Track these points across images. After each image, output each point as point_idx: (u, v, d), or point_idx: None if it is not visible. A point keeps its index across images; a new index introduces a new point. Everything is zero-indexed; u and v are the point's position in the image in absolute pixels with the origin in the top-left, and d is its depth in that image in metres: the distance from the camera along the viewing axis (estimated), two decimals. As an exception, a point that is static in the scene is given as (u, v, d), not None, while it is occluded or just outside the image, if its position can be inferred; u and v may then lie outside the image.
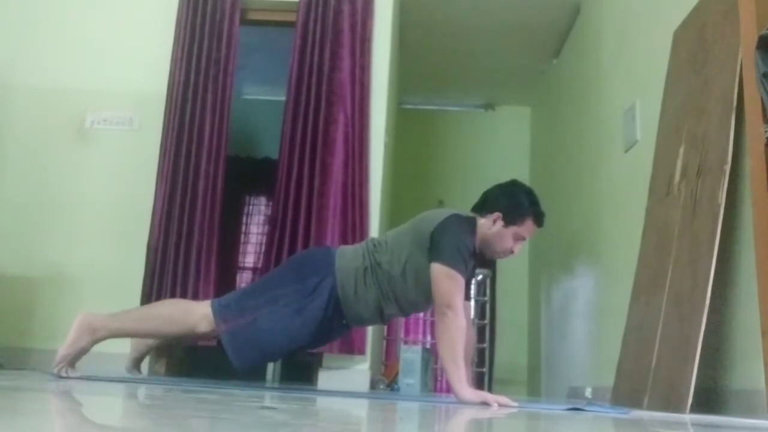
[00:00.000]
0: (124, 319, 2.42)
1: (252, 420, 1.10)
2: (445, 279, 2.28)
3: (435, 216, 2.42)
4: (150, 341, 2.65)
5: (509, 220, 2.44)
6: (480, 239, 2.46)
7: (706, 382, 2.51)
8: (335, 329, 2.47)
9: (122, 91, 3.88)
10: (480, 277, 5.96)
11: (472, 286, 6.97)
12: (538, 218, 2.48)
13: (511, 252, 2.49)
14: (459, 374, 2.20)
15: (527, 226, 2.46)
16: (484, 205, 2.48)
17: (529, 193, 2.49)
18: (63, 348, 2.29)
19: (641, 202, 3.30)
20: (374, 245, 2.49)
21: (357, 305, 2.43)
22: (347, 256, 2.48)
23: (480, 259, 2.53)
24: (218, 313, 2.37)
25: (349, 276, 2.42)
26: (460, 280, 2.30)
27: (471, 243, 2.39)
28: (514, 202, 2.45)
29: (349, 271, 2.43)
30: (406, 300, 2.45)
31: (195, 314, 2.39)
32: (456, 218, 2.40)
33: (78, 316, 2.35)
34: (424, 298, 2.42)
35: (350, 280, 2.42)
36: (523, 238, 2.48)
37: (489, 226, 2.45)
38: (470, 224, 2.42)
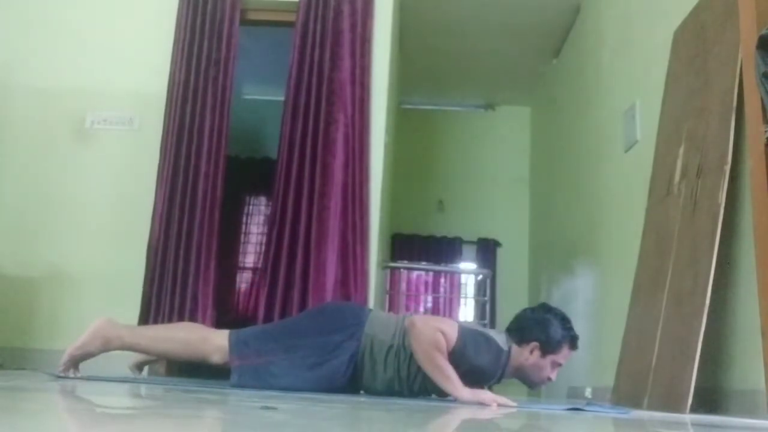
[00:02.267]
0: (140, 335, 2.41)
1: (252, 420, 1.10)
2: (440, 318, 2.27)
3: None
4: None
5: (546, 350, 2.41)
6: (515, 367, 2.43)
7: (706, 382, 2.51)
8: (344, 390, 2.44)
9: (122, 91, 3.88)
10: (480, 277, 5.96)
11: (472, 287, 6.99)
12: (573, 343, 2.46)
13: (549, 379, 2.47)
14: (448, 378, 2.20)
15: (563, 353, 2.44)
16: (521, 335, 2.45)
17: (563, 318, 2.47)
18: (72, 348, 2.29)
19: (641, 202, 3.30)
20: (407, 327, 2.40)
21: (371, 376, 2.41)
22: (379, 325, 2.44)
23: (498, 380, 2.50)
24: (235, 348, 2.35)
25: (374, 346, 2.39)
26: (453, 329, 2.29)
27: (492, 372, 2.37)
28: (549, 332, 2.42)
29: (375, 341, 2.39)
30: (420, 385, 2.43)
31: (211, 344, 2.37)
32: (493, 344, 2.37)
33: (97, 320, 2.34)
34: (438, 389, 2.40)
35: (374, 351, 2.39)
36: (560, 365, 2.46)
37: (526, 357, 2.42)
38: (504, 356, 2.39)
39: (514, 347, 2.42)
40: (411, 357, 2.36)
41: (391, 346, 2.39)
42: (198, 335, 2.43)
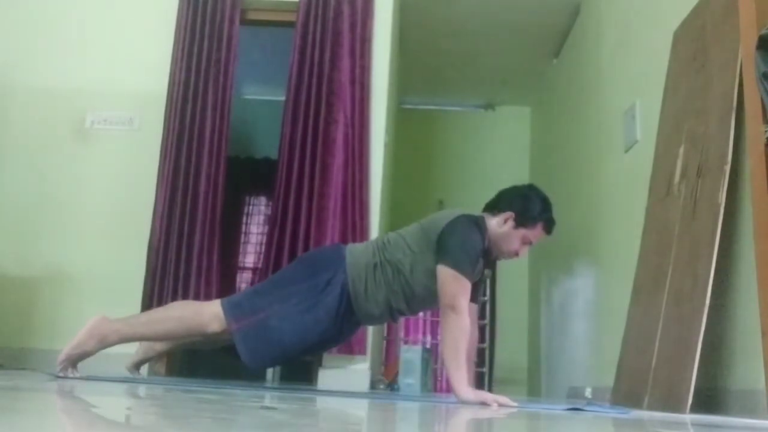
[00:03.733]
0: (135, 323, 2.42)
1: (252, 420, 1.10)
2: (451, 281, 2.27)
3: (443, 216, 2.42)
4: (158, 346, 2.65)
5: (520, 222, 2.44)
6: (488, 237, 2.45)
7: (706, 382, 2.51)
8: (347, 327, 2.46)
9: (122, 91, 3.89)
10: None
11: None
12: (549, 225, 2.49)
13: (516, 254, 2.50)
14: (460, 374, 2.20)
15: (536, 231, 2.47)
16: (497, 204, 2.49)
17: (544, 199, 2.50)
18: (68, 348, 2.29)
19: (641, 202, 3.30)
20: (384, 243, 2.48)
21: (367, 302, 2.43)
22: (357, 252, 2.48)
23: (486, 259, 2.52)
24: (229, 311, 2.37)
25: (359, 271, 2.42)
26: (466, 282, 2.30)
27: (479, 243, 2.38)
28: (528, 205, 2.45)
29: (359, 266, 2.43)
30: (415, 297, 2.45)
31: (205, 314, 2.38)
32: (464, 219, 2.39)
33: (92, 319, 2.34)
34: (432, 296, 2.41)
35: (361, 276, 2.42)
36: (530, 242, 2.49)
37: (500, 224, 2.45)
38: (479, 224, 2.41)
39: (488, 216, 2.47)
40: (398, 269, 2.40)
41: (375, 264, 2.42)
42: (191, 309, 2.45)
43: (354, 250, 2.50)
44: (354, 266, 2.43)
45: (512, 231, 2.45)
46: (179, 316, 2.41)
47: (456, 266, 2.29)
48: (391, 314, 2.50)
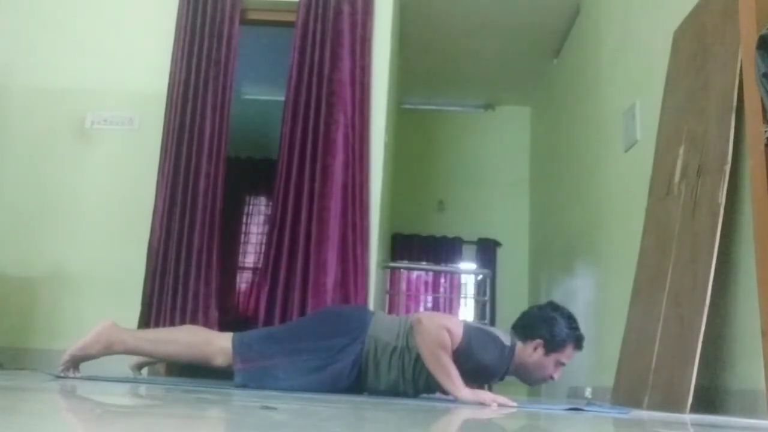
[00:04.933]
0: (142, 338, 2.42)
1: (252, 420, 1.10)
2: (446, 315, 2.26)
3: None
4: None
5: (550, 349, 2.39)
6: (518, 365, 2.42)
7: (706, 382, 2.52)
8: (348, 392, 2.44)
9: (122, 91, 3.89)
10: (480, 277, 5.95)
11: (472, 287, 6.98)
12: (579, 343, 2.44)
13: (552, 378, 2.45)
14: (450, 380, 2.20)
15: (567, 352, 2.42)
16: (524, 331, 2.43)
17: (569, 317, 2.45)
18: (73, 348, 2.29)
19: (641, 202, 3.30)
20: (410, 327, 2.40)
21: (375, 378, 2.41)
22: (382, 327, 2.43)
23: (501, 378, 2.48)
24: (238, 350, 2.35)
25: (378, 347, 2.38)
26: (458, 327, 2.28)
27: (497, 365, 2.35)
28: (554, 330, 2.39)
29: (379, 342, 2.39)
30: (425, 384, 2.43)
31: (214, 346, 2.37)
32: (497, 342, 2.36)
33: (101, 323, 2.33)
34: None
35: (378, 353, 2.38)
36: (563, 364, 2.44)
37: (529, 353, 2.40)
38: (504, 352, 2.37)
39: (519, 344, 2.41)
40: (416, 358, 2.35)
41: (395, 348, 2.38)
42: (201, 337, 2.43)
43: (379, 323, 2.45)
44: (374, 340, 2.39)
45: (543, 358, 2.40)
46: (187, 341, 2.39)
47: (465, 322, 2.28)
48: (396, 394, 2.46)
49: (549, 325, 2.40)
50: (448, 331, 2.25)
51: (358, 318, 2.49)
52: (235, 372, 2.36)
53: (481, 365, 2.32)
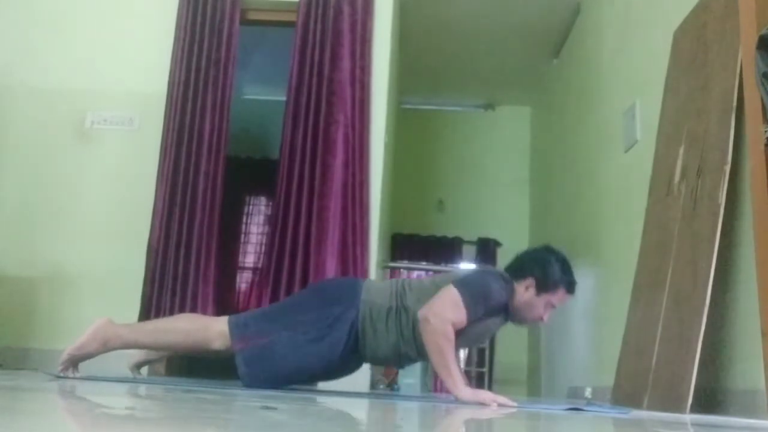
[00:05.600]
0: (139, 330, 2.42)
1: (252, 420, 1.10)
2: (447, 301, 2.23)
3: (471, 269, 2.39)
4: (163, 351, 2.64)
5: (542, 288, 2.38)
6: (512, 303, 2.42)
7: (706, 382, 2.51)
8: (350, 363, 2.41)
9: (122, 91, 3.89)
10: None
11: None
12: (571, 287, 2.43)
13: (541, 320, 2.44)
14: (452, 379, 2.19)
15: (559, 295, 2.41)
16: (516, 270, 2.43)
17: (563, 261, 2.44)
18: (70, 348, 2.28)
19: (641, 202, 3.30)
20: (404, 288, 2.41)
21: (374, 342, 2.38)
22: (374, 291, 2.43)
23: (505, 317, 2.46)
24: (235, 331, 2.34)
25: (372, 311, 2.37)
26: (461, 314, 2.24)
27: (501, 295, 2.34)
28: (547, 270, 2.39)
29: (373, 306, 2.37)
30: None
31: (211, 330, 2.36)
32: (495, 273, 2.37)
33: (97, 321, 2.33)
34: None
35: (373, 316, 2.36)
36: (554, 306, 2.43)
37: (521, 292, 2.40)
38: (506, 279, 2.38)
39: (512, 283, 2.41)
40: (413, 317, 2.33)
41: (390, 308, 2.36)
42: (198, 324, 2.43)
43: (371, 288, 2.45)
44: (368, 304, 2.37)
45: (534, 298, 2.39)
46: (185, 329, 2.39)
47: (463, 294, 2.24)
48: (398, 358, 2.45)
49: (542, 266, 2.40)
50: (453, 324, 2.24)
51: (349, 285, 2.50)
52: (235, 354, 2.35)
53: (492, 307, 2.32)
